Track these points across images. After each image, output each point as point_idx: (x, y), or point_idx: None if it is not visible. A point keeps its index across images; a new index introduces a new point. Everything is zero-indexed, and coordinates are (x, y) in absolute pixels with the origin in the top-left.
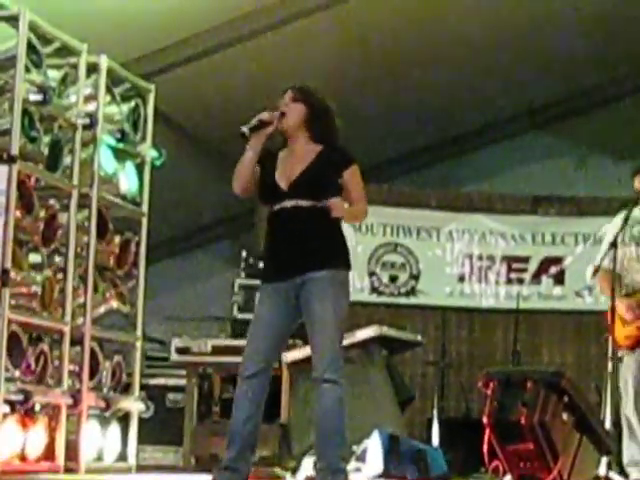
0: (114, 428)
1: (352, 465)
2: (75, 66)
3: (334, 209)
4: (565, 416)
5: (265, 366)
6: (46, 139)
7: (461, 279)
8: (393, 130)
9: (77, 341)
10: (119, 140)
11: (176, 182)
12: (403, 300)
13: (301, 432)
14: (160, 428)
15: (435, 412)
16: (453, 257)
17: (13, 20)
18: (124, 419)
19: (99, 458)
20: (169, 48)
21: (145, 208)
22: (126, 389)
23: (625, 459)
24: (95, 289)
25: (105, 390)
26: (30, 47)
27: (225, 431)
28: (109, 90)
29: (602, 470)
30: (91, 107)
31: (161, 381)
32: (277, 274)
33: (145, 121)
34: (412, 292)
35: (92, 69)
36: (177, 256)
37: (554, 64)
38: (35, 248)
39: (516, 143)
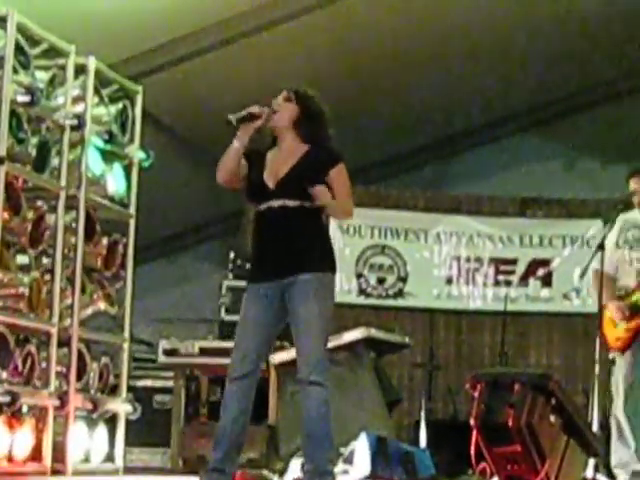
0: (101, 430)
1: (339, 467)
2: (63, 67)
3: (319, 195)
4: (552, 418)
5: (253, 367)
6: (34, 140)
7: (449, 281)
8: (381, 132)
9: (64, 342)
10: (107, 141)
11: (164, 184)
12: (391, 302)
13: (289, 434)
14: (147, 430)
15: (423, 414)
16: (441, 259)
17: (1, 21)
18: (111, 421)
19: (86, 460)
20: (157, 49)
21: (133, 210)
22: (113, 391)
23: (613, 461)
24: (83, 290)
25: (92, 392)
26: (18, 48)
27: (213, 433)
28: (97, 91)
29: (589, 472)
30: (79, 108)
31: (148, 383)
32: (263, 275)
33: (133, 122)
34: (400, 294)
35: (80, 70)
36: (165, 258)
37: (542, 67)
38: (22, 249)
39: (504, 145)
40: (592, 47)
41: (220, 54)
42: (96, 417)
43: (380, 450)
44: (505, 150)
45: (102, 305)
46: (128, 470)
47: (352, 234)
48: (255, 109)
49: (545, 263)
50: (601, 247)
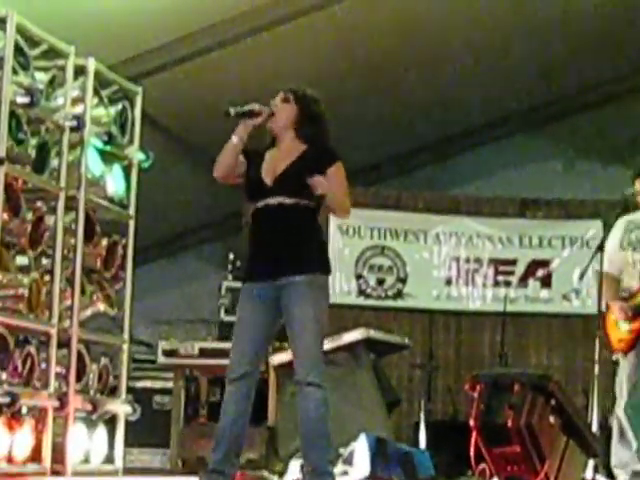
0: (101, 431)
1: (339, 468)
2: (63, 68)
3: (318, 185)
4: (552, 419)
5: (251, 368)
6: (33, 141)
7: (448, 282)
8: (380, 133)
9: (64, 344)
10: (106, 142)
11: (163, 185)
12: (390, 303)
13: (288, 435)
14: (147, 431)
15: (422, 415)
16: (440, 260)
17: (1, 22)
18: (111, 422)
19: (86, 460)
20: (157, 50)
21: (132, 211)
22: (113, 392)
23: (613, 461)
24: (82, 291)
25: (92, 393)
26: (18, 49)
27: (212, 434)
28: (96, 92)
29: (589, 473)
30: (78, 109)
31: (148, 384)
32: (258, 275)
33: (132, 123)
34: (399, 295)
35: (79, 71)
36: (164, 259)
37: (541, 67)
38: (22, 250)
39: (503, 146)
40: (592, 48)
41: (220, 55)
42: (96, 418)
43: (379, 451)
44: (504, 151)
45: (102, 306)
46: (128, 471)
47: (351, 235)
48: (256, 106)
49: (544, 264)
50: (600, 248)
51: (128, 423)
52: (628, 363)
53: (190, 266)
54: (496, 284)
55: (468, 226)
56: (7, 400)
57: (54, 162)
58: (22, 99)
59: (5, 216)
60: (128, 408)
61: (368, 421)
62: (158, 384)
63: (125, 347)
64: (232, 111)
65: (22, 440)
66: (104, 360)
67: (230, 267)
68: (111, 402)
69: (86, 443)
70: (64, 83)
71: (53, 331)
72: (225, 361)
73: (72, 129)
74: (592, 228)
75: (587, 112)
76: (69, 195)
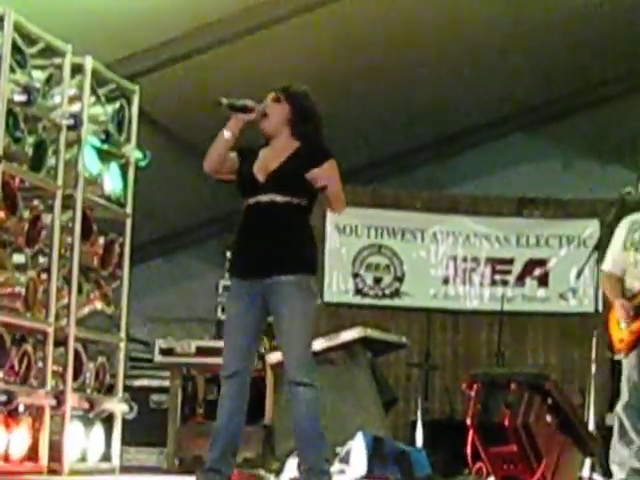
0: (98, 429)
1: (336, 467)
2: (60, 67)
3: (318, 177)
4: (549, 418)
5: (244, 364)
6: (30, 140)
7: (445, 281)
8: (378, 132)
9: (61, 342)
10: (104, 141)
11: (160, 183)
12: (387, 302)
13: (285, 433)
14: (144, 429)
15: (419, 414)
16: (437, 259)
17: None
18: (108, 420)
19: (83, 459)
20: (154, 49)
21: (129, 209)
22: (110, 390)
23: (612, 458)
24: (79, 290)
25: (89, 391)
26: (15, 47)
27: (209, 432)
28: (94, 91)
29: (586, 472)
30: (76, 108)
31: (145, 382)
32: (246, 271)
33: (130, 122)
34: (396, 294)
35: (77, 70)
36: (161, 257)
37: (540, 67)
38: (19, 249)
39: (501, 145)
40: (590, 48)
41: (217, 53)
42: (92, 416)
43: (376, 450)
44: (502, 150)
45: (98, 304)
46: (124, 470)
47: (349, 234)
48: (250, 103)
49: (542, 263)
50: (597, 247)
51: (125, 422)
52: (629, 363)
53: (187, 265)
54: (493, 283)
55: (465, 225)
56: (4, 398)
57: (51, 160)
58: (19, 97)
59: (2, 214)
60: (125, 407)
61: (365, 420)
62: (155, 383)
63: (122, 345)
64: (224, 101)
65: (19, 438)
66: (101, 358)
67: (227, 266)
68: (108, 400)
69: (83, 441)
70: (61, 81)
71: (50, 329)
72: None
73: (69, 127)
74: (589, 227)
75: (585, 112)
76: (66, 193)
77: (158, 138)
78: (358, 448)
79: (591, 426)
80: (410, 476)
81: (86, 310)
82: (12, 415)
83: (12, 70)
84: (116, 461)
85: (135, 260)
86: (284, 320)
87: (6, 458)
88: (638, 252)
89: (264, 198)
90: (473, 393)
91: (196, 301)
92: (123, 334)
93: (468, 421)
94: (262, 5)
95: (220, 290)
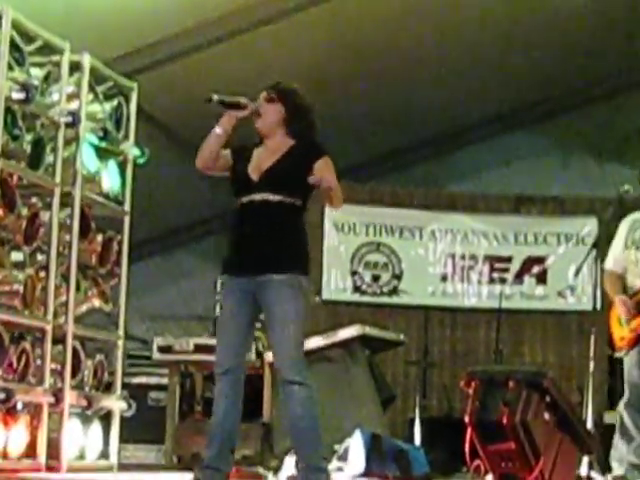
0: (96, 427)
1: (334, 464)
2: (58, 64)
3: (323, 181)
4: (547, 416)
5: (236, 361)
6: (28, 137)
7: (443, 278)
8: (376, 129)
9: (59, 340)
10: (102, 138)
11: (159, 181)
12: (385, 299)
13: (283, 431)
14: (142, 427)
15: (417, 411)
16: (436, 257)
17: None
18: (106, 418)
19: (81, 457)
20: (152, 46)
21: (127, 207)
22: (108, 388)
23: (612, 453)
24: (77, 288)
25: (87, 389)
26: (13, 45)
27: (207, 430)
28: (92, 88)
29: (583, 470)
30: (74, 105)
31: (143, 380)
32: (238, 270)
33: (128, 119)
34: (394, 291)
35: (75, 67)
36: (160, 255)
37: (537, 64)
38: (17, 246)
39: (499, 143)
40: (588, 44)
41: (215, 51)
42: (91, 414)
43: (374, 447)
44: (500, 147)
45: (97, 302)
46: (123, 467)
47: (347, 232)
48: (243, 100)
49: (540, 261)
50: (596, 245)
51: (123, 419)
52: (629, 361)
53: (185, 262)
54: (491, 281)
55: (463, 223)
56: (2, 396)
57: (49, 158)
58: (17, 95)
59: (0, 212)
60: (123, 404)
61: (363, 417)
62: (153, 380)
63: (120, 343)
64: (215, 97)
65: (17, 436)
66: (99, 356)
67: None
68: (106, 398)
69: (81, 439)
70: (59, 79)
71: (48, 327)
72: None
73: (67, 125)
74: (587, 225)
75: (583, 110)
76: (64, 191)
77: (156, 136)
78: (356, 446)
79: (589, 424)
80: (408, 474)
81: (84, 308)
82: (10, 413)
83: (10, 68)
84: (114, 458)
85: (133, 258)
86: (276, 319)
87: (4, 455)
88: (639, 250)
89: (257, 197)
90: (471, 391)
91: (194, 299)
92: (121, 332)
93: (466, 419)
94: (260, 2)
95: (218, 288)
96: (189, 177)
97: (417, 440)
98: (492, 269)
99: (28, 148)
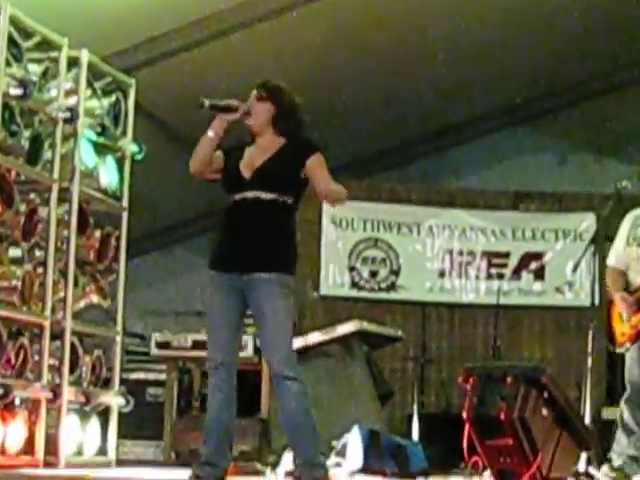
0: (94, 422)
1: (332, 460)
2: (56, 60)
3: (335, 198)
4: (545, 411)
5: (229, 355)
6: (27, 133)
7: (441, 274)
8: (374, 125)
9: (57, 335)
10: (100, 134)
11: (156, 176)
12: (383, 295)
13: (281, 427)
14: (140, 422)
15: (415, 407)
16: (433, 252)
17: None
18: (104, 413)
19: (79, 452)
20: (150, 42)
21: (125, 202)
22: (106, 383)
23: (614, 447)
24: (75, 283)
25: (85, 384)
26: (11, 41)
27: (204, 426)
28: (90, 84)
29: (581, 466)
30: (72, 101)
31: (141, 375)
32: (226, 265)
33: (126, 115)
34: (392, 287)
35: (73, 63)
36: (157, 251)
37: (535, 60)
38: (15, 242)
39: (497, 139)
40: (585, 41)
41: (213, 47)
42: (89, 410)
43: (372, 443)
44: (498, 143)
45: (95, 298)
46: (121, 463)
47: (345, 227)
48: (234, 103)
49: (538, 256)
50: (594, 241)
51: (121, 415)
52: (630, 357)
53: (183, 258)
54: (489, 277)
55: (461, 219)
56: (0, 392)
57: (47, 154)
58: (15, 91)
59: None
60: (121, 400)
61: (361, 413)
62: (151, 376)
63: (118, 339)
64: (206, 103)
65: (15, 432)
66: (97, 352)
67: None
68: (104, 394)
69: (79, 435)
70: (57, 75)
71: (46, 323)
72: None
73: (65, 121)
74: (586, 221)
75: (581, 105)
76: (62, 187)
77: (154, 131)
78: (354, 441)
79: (587, 420)
80: (406, 469)
81: (82, 304)
82: (8, 408)
83: (8, 64)
84: (112, 454)
85: (131, 253)
86: (267, 317)
87: (2, 451)
88: None
89: (249, 195)
90: (469, 386)
91: (192, 294)
92: (119, 327)
93: (464, 414)
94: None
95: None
96: (187, 173)
97: (415, 436)
98: (490, 265)
99: (26, 144)
